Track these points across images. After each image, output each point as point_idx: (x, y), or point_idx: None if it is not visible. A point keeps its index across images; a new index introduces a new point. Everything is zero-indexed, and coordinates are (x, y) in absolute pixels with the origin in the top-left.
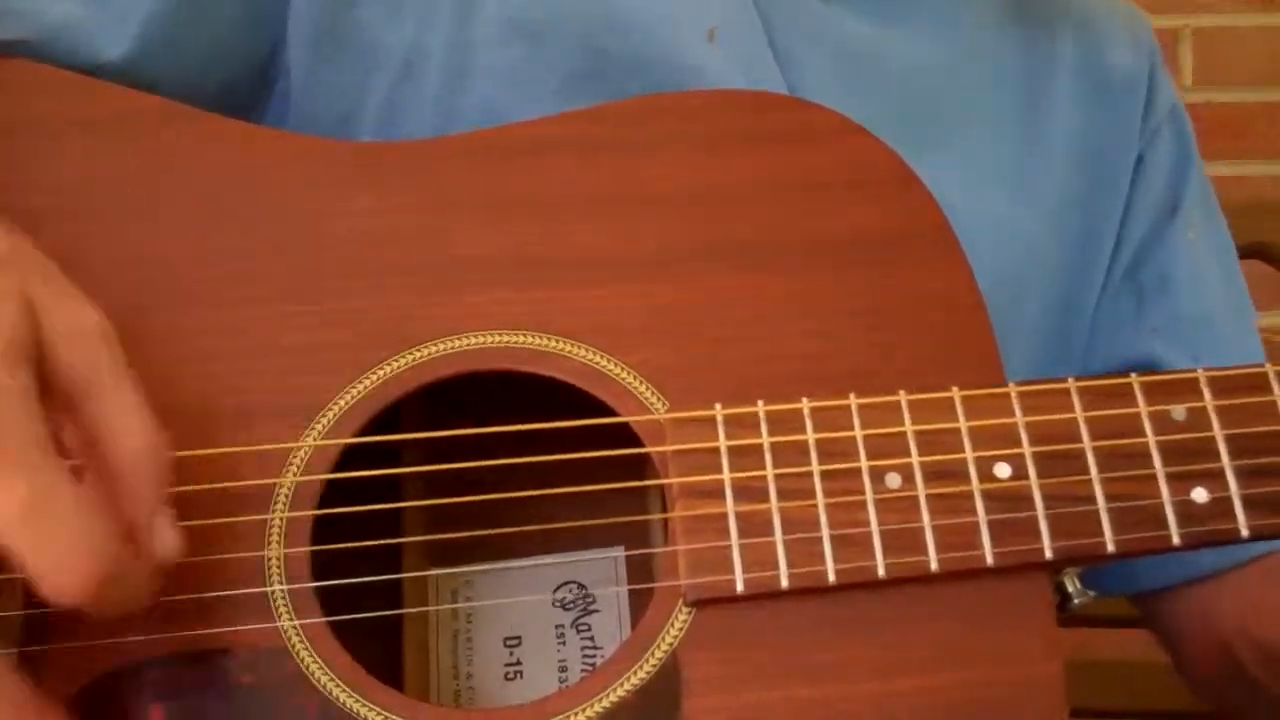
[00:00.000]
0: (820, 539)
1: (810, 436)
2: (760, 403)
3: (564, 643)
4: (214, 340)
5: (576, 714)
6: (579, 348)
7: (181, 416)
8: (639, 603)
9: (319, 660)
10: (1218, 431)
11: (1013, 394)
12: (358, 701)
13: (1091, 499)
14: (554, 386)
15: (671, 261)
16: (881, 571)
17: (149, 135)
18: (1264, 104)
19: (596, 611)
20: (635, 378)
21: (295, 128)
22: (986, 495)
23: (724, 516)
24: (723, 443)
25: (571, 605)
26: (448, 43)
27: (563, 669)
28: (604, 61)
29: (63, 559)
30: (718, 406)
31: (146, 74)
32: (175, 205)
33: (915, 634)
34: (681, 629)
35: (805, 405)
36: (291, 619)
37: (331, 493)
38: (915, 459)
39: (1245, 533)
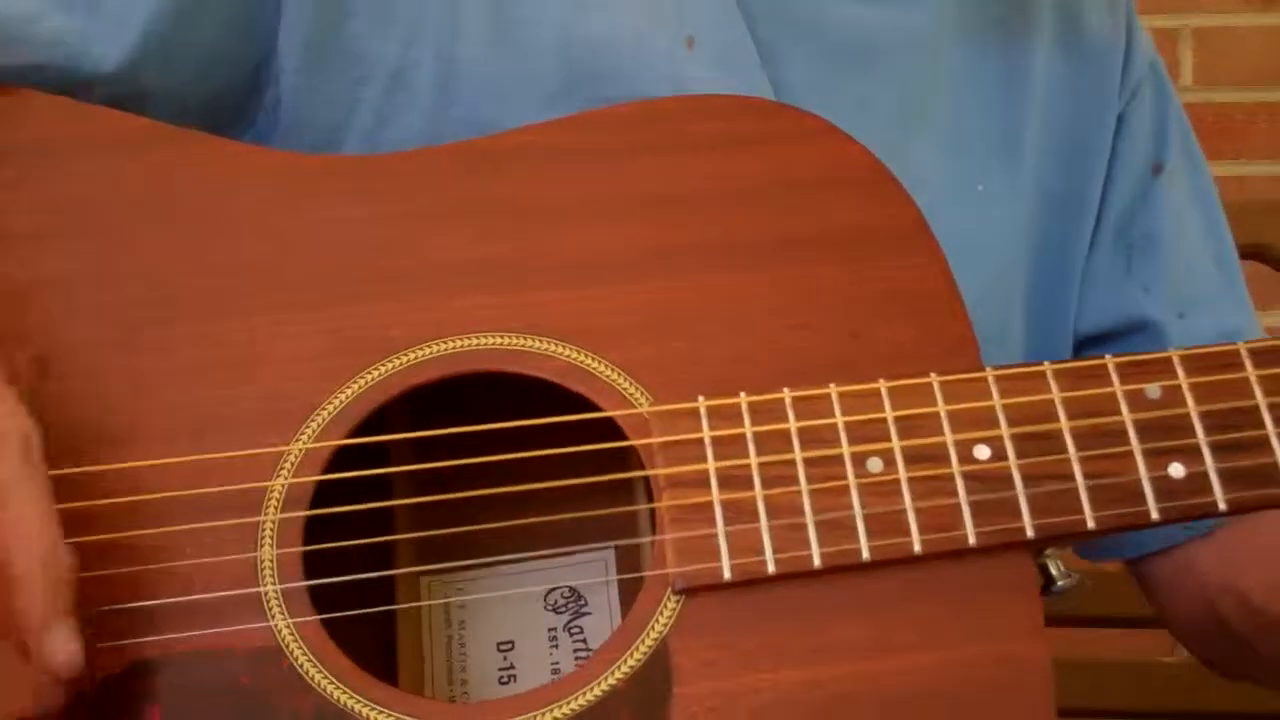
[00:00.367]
0: (805, 524)
1: (792, 425)
2: (742, 393)
3: (556, 645)
4: (205, 351)
5: (569, 702)
6: (563, 347)
7: (174, 424)
8: (630, 604)
9: (313, 658)
10: (1192, 408)
11: (990, 378)
12: (353, 698)
13: (1070, 477)
14: (540, 387)
15: (653, 262)
16: (866, 554)
17: (139, 156)
18: (1264, 104)
19: (588, 614)
20: (619, 374)
21: (285, 137)
22: (967, 477)
23: (709, 505)
24: (706, 433)
25: (563, 608)
26: (436, 55)
27: (555, 671)
28: (586, 73)
29: None
30: (700, 398)
31: (141, 84)
32: (165, 223)
33: (901, 615)
34: (671, 617)
35: (787, 395)
36: (285, 618)
37: (325, 496)
38: (896, 443)
39: (1223, 506)
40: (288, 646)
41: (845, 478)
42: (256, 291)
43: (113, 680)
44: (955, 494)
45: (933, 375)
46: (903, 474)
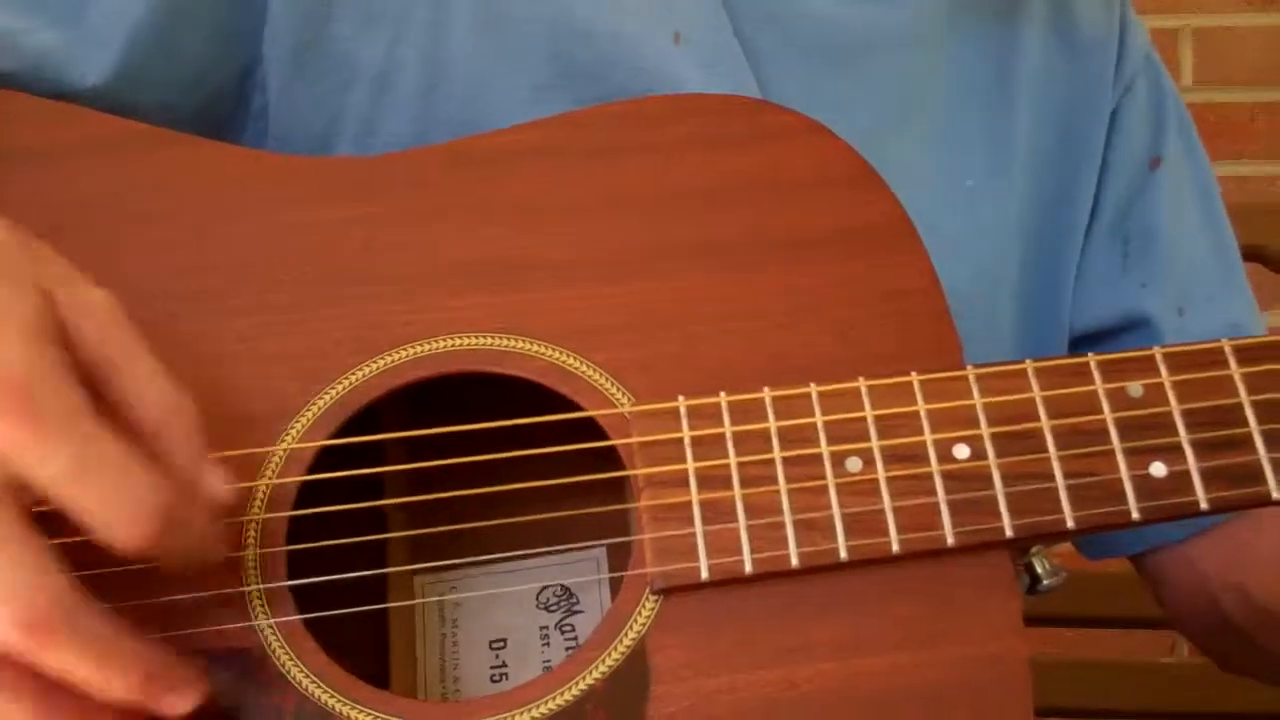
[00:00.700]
0: (783, 524)
1: (772, 424)
2: (722, 393)
3: (548, 644)
4: (191, 351)
5: (547, 701)
6: (547, 348)
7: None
8: None
9: (294, 658)
10: (1174, 406)
11: (970, 376)
12: (334, 697)
13: (1050, 477)
14: (527, 388)
15: (636, 262)
16: (844, 554)
17: (130, 158)
18: (1264, 104)
19: (580, 612)
20: (601, 374)
21: (274, 145)
22: (946, 476)
23: (688, 505)
24: (686, 433)
25: (555, 607)
26: (421, 55)
27: (548, 670)
28: (573, 69)
29: (122, 509)
30: (680, 398)
31: (127, 98)
32: (154, 224)
33: (879, 615)
34: (649, 616)
35: (767, 394)
36: (268, 618)
37: (314, 497)
38: (875, 443)
39: (1205, 505)
40: (270, 646)
41: (824, 477)
42: (242, 292)
43: None
44: (934, 493)
45: (913, 374)
46: (881, 473)
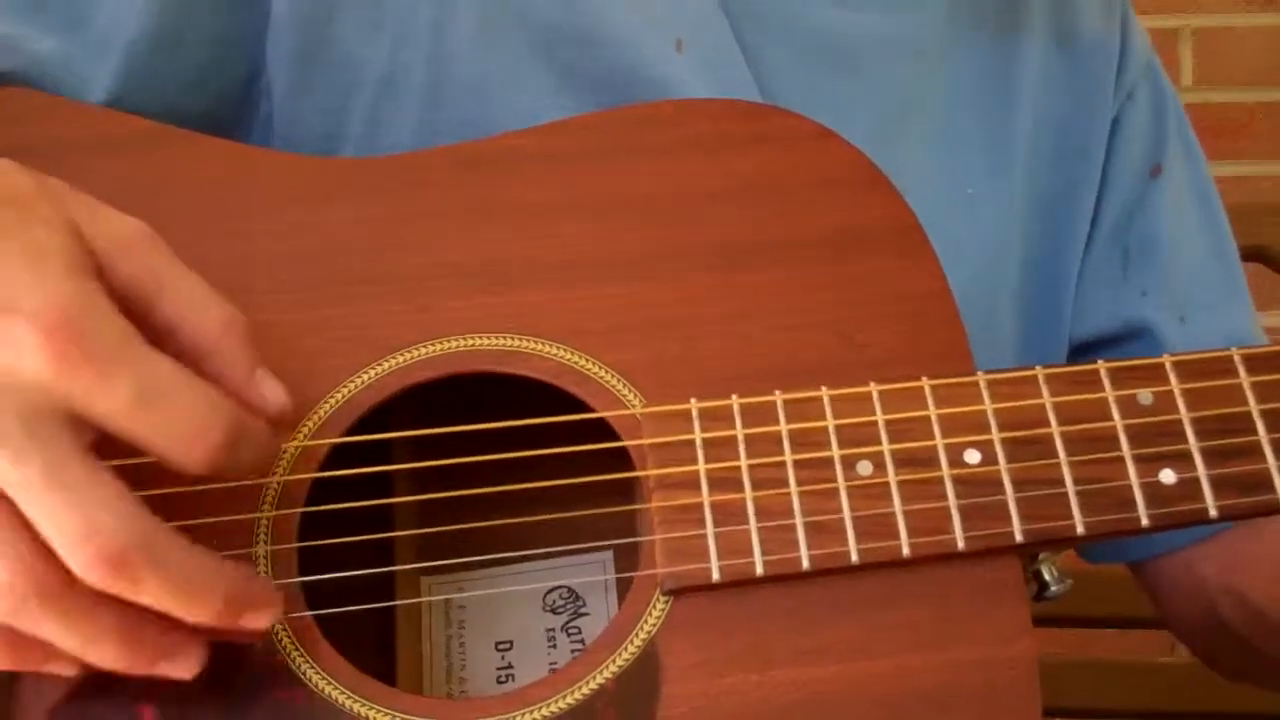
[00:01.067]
0: (794, 526)
1: (783, 427)
2: (734, 396)
3: (554, 646)
4: None
5: (557, 701)
6: (557, 348)
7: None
8: None
9: (304, 653)
10: (1184, 414)
11: (981, 382)
12: (343, 693)
13: (1060, 482)
14: (538, 389)
15: (646, 264)
16: (855, 557)
17: (133, 157)
18: (1264, 104)
19: (586, 614)
20: (612, 375)
21: (279, 148)
22: (956, 481)
23: (699, 506)
24: (698, 435)
25: (561, 609)
26: (426, 58)
27: (553, 671)
28: (575, 74)
29: (186, 431)
30: (693, 400)
31: (130, 104)
32: (162, 223)
33: (889, 618)
34: (660, 617)
35: (778, 397)
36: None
37: (324, 495)
38: (886, 447)
39: (1214, 513)
40: (280, 642)
41: (835, 480)
42: (250, 291)
43: (104, 674)
44: (945, 498)
45: (924, 379)
46: (892, 477)
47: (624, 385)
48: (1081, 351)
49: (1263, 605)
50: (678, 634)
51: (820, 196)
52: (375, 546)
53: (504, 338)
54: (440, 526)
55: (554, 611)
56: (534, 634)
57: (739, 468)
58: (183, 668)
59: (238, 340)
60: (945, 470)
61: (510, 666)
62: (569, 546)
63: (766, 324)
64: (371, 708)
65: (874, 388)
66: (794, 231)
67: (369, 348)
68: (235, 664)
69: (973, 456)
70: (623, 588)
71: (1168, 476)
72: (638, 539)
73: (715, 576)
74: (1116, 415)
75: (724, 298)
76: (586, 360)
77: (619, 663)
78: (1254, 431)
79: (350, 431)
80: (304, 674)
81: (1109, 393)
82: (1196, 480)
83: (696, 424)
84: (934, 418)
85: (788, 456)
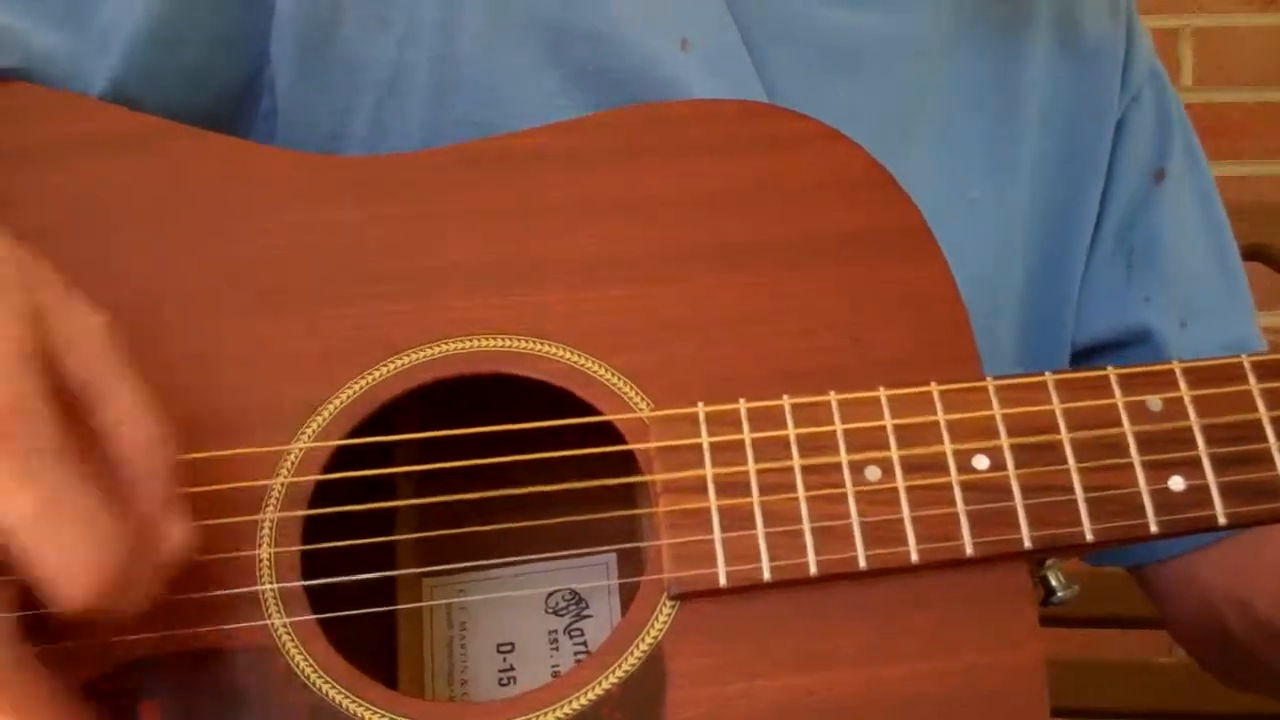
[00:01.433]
0: (802, 531)
1: (791, 431)
2: (742, 400)
3: (557, 648)
4: (205, 348)
5: (562, 706)
6: (564, 350)
7: (174, 421)
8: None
9: (309, 658)
10: (1194, 421)
11: (990, 387)
12: (347, 698)
13: (1069, 489)
14: (544, 390)
15: (654, 266)
16: (863, 563)
17: (138, 153)
18: (1264, 104)
19: (589, 617)
20: (620, 379)
21: (282, 146)
22: (965, 486)
23: (707, 511)
24: (705, 439)
25: (564, 611)
26: (432, 58)
27: (555, 673)
28: (581, 74)
29: (73, 565)
30: (700, 404)
31: (133, 98)
32: (168, 220)
33: (897, 624)
34: (666, 622)
35: (786, 401)
36: (282, 617)
37: (327, 496)
38: (894, 452)
39: (1223, 520)
40: (284, 645)
41: (843, 485)
42: (257, 290)
43: (107, 677)
44: (953, 504)
45: (933, 384)
46: (900, 483)
47: (631, 388)
48: (1082, 356)
49: (1266, 613)
50: (684, 639)
51: (829, 199)
52: (378, 548)
53: (510, 339)
54: (443, 529)
55: (556, 613)
56: (536, 636)
57: (747, 472)
58: None
59: (158, 465)
60: (954, 476)
61: (512, 669)
62: (572, 550)
63: (774, 327)
64: (373, 711)
65: (882, 392)
66: (802, 234)
67: (373, 348)
68: (237, 667)
69: (981, 462)
70: (626, 591)
71: (1177, 483)
72: (641, 544)
73: (722, 582)
74: (1126, 421)
75: (732, 300)
76: (593, 362)
77: (625, 668)
78: (1264, 439)
79: (354, 433)
80: (306, 676)
81: (1118, 399)
82: (1206, 487)
83: (704, 428)
84: (943, 423)
85: (796, 461)
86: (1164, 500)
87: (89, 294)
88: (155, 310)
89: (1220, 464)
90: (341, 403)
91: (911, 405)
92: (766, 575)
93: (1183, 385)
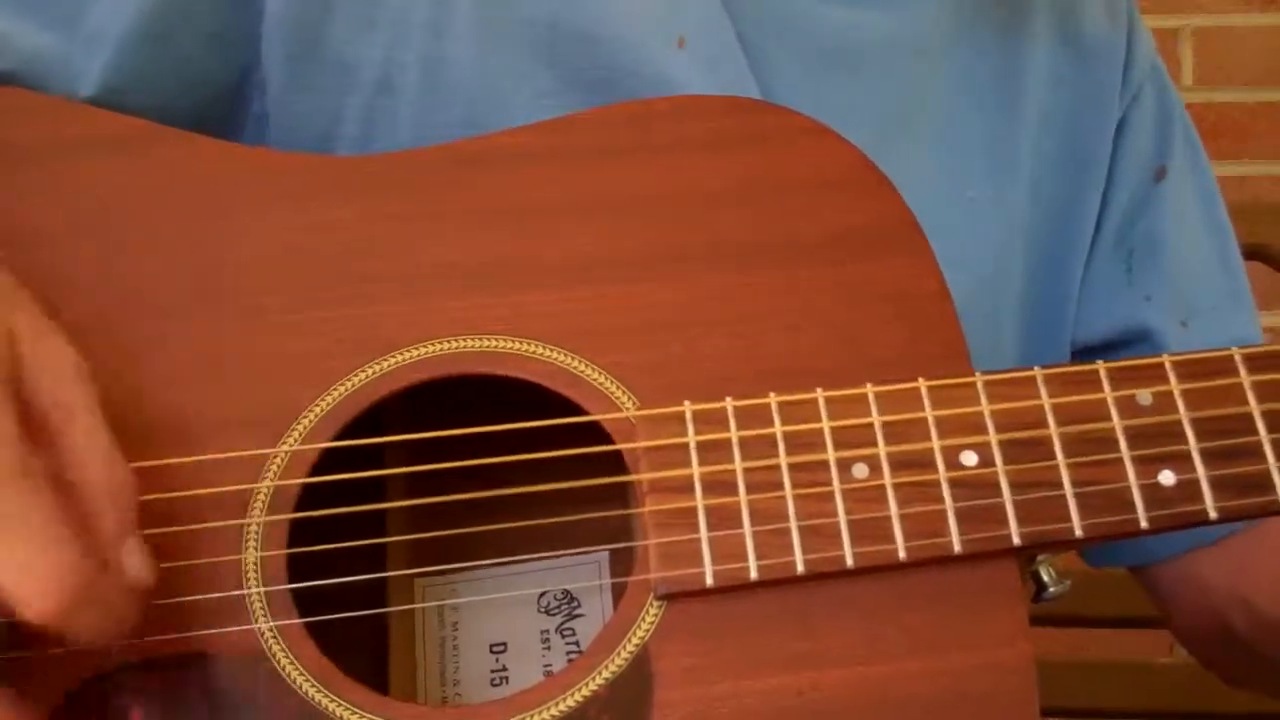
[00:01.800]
0: (789, 530)
1: (778, 430)
2: (728, 398)
3: (549, 648)
4: (193, 350)
5: (549, 708)
6: (551, 350)
7: (160, 424)
8: None
9: (294, 661)
10: (1184, 415)
11: (978, 383)
12: (333, 701)
13: (1058, 484)
14: (533, 391)
15: (643, 264)
16: (850, 561)
17: (130, 157)
18: (1264, 104)
19: (581, 616)
20: (606, 378)
21: (274, 147)
22: (953, 483)
23: (693, 510)
24: (691, 438)
25: (556, 611)
26: (422, 58)
27: (547, 673)
28: (575, 73)
29: (32, 571)
30: (686, 403)
31: (123, 100)
32: (157, 223)
33: (885, 622)
34: (653, 623)
35: (773, 399)
36: (268, 620)
37: (315, 499)
38: (882, 449)
39: (1213, 514)
40: (270, 649)
41: (830, 483)
42: (244, 292)
43: (93, 681)
44: (941, 500)
45: (920, 380)
46: (888, 480)
47: (617, 387)
48: (1083, 355)
49: (1268, 610)
50: (671, 639)
51: (818, 196)
52: (367, 550)
53: (497, 339)
54: (433, 530)
55: (548, 613)
56: (528, 636)
57: (733, 471)
58: None
59: (123, 501)
60: (942, 472)
61: (504, 669)
62: (563, 549)
63: (764, 325)
64: (362, 716)
65: (870, 389)
66: (792, 232)
67: (362, 349)
68: (224, 672)
69: (970, 458)
70: (618, 590)
71: (1167, 478)
72: (633, 543)
73: (709, 581)
74: (1115, 416)
75: (721, 299)
76: (580, 362)
77: (612, 669)
78: (1254, 432)
79: (342, 434)
80: (294, 681)
81: (1108, 393)
82: (1196, 481)
83: (690, 427)
84: (930, 419)
85: (783, 459)
86: (1154, 495)
87: (77, 298)
88: (144, 312)
89: (1211, 458)
90: (329, 404)
91: (899, 402)
92: (753, 574)
93: (1173, 379)
